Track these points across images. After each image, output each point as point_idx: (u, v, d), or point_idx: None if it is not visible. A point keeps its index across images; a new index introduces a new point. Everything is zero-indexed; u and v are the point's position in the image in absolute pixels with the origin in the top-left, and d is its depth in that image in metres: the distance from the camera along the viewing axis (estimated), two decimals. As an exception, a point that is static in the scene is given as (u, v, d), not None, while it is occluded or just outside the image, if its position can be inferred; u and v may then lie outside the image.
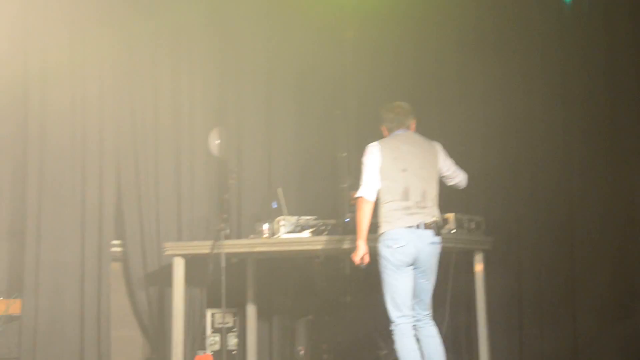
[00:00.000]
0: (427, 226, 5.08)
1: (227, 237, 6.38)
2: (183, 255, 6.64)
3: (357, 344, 6.97)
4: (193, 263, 6.81)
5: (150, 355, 7.32)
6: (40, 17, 6.94)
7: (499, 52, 6.65)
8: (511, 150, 6.53)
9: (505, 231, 6.42)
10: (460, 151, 6.10)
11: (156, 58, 7.46)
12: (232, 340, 7.26)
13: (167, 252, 6.69)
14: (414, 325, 5.13)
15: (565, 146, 6.29)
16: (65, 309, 6.83)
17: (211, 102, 7.64)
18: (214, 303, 7.02)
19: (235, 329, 7.29)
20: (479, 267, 6.28)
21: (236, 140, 7.51)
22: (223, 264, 6.14)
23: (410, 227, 5.05)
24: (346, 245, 5.89)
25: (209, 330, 7.17)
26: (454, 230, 5.88)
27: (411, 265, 5.07)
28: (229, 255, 6.50)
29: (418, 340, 5.12)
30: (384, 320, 5.21)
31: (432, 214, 5.14)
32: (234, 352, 7.24)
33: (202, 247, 6.49)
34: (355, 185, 6.78)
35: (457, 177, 5.42)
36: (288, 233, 6.28)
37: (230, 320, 7.26)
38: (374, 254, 5.16)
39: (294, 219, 6.32)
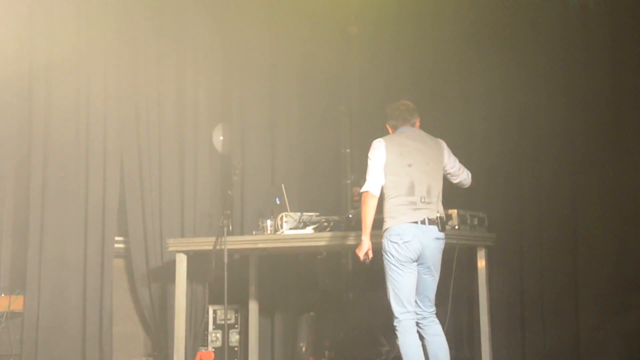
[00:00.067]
0: (431, 222, 5.08)
1: (230, 233, 6.38)
2: (185, 252, 6.65)
3: (359, 340, 6.96)
4: (196, 259, 6.82)
5: (152, 352, 7.33)
6: (45, 14, 6.95)
7: (501, 49, 6.64)
8: (514, 146, 6.51)
9: (508, 227, 6.41)
10: (463, 147, 6.11)
11: (160, 55, 7.47)
12: (234, 337, 7.27)
13: (170, 248, 6.70)
14: (419, 324, 5.12)
15: (568, 142, 6.28)
16: (68, 305, 6.83)
17: (215, 98, 7.66)
18: (216, 299, 7.02)
19: (237, 326, 7.30)
20: (481, 263, 6.27)
21: (240, 136, 7.52)
22: (225, 260, 6.13)
23: (415, 222, 5.04)
24: (349, 242, 5.89)
25: (211, 327, 7.17)
26: (457, 227, 5.88)
27: (415, 261, 5.06)
28: (232, 252, 6.50)
29: (423, 338, 5.11)
30: (386, 317, 5.21)
31: (437, 209, 5.14)
32: (235, 349, 7.25)
33: (205, 243, 6.49)
34: (358, 181, 6.82)
35: (462, 175, 5.42)
36: (291, 229, 6.28)
37: (232, 317, 7.26)
38: (377, 249, 5.16)
39: (296, 215, 6.32)
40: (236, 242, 6.45)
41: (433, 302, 5.19)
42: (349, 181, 7.24)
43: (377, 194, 5.12)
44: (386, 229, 5.09)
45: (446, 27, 6.90)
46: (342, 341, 7.07)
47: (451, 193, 5.49)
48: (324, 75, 7.51)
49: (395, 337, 5.10)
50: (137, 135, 7.33)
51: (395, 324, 5.04)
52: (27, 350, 6.65)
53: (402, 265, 5.02)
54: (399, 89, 7.07)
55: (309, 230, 6.22)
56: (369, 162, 5.16)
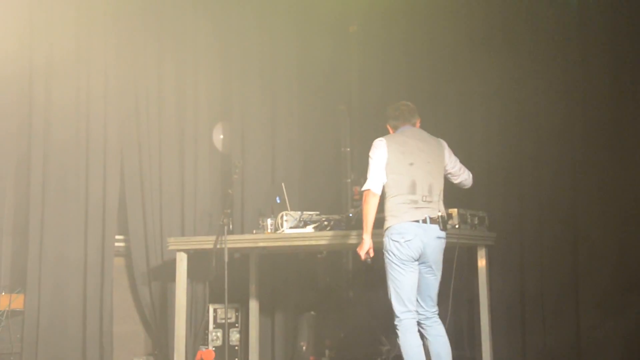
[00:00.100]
0: (433, 220, 5.08)
1: (230, 232, 6.38)
2: (186, 250, 6.65)
3: (359, 340, 6.96)
4: (196, 258, 6.81)
5: (152, 351, 7.33)
6: (46, 13, 6.94)
7: (501, 49, 6.63)
8: (514, 145, 6.52)
9: (508, 226, 6.41)
10: (463, 147, 6.11)
11: (160, 53, 7.47)
12: (235, 336, 7.27)
13: (170, 247, 6.70)
14: (422, 324, 5.12)
15: (568, 142, 6.28)
16: (68, 304, 6.83)
17: (215, 97, 7.66)
18: (216, 298, 7.02)
19: (237, 325, 7.30)
20: (481, 262, 6.27)
21: (240, 135, 7.52)
22: (226, 259, 6.13)
23: (416, 221, 5.04)
24: (349, 241, 5.89)
25: (211, 326, 7.17)
26: (457, 226, 5.88)
27: (417, 260, 5.06)
28: (232, 251, 6.50)
29: (426, 339, 5.10)
30: (387, 316, 5.21)
31: (438, 208, 5.14)
32: (236, 348, 7.25)
33: (205, 242, 6.49)
34: (358, 180, 6.82)
35: (463, 175, 5.42)
36: (291, 228, 6.28)
37: (232, 316, 7.26)
38: (377, 249, 5.15)
39: (297, 214, 6.32)
40: (236, 241, 6.45)
41: (435, 301, 5.18)
42: (349, 180, 7.23)
43: (379, 193, 5.12)
44: (387, 228, 5.08)
45: (446, 26, 6.90)
46: (343, 340, 7.06)
47: (451, 192, 5.50)
48: (324, 74, 7.51)
49: (396, 336, 5.09)
50: (138, 134, 7.33)
51: (396, 323, 5.04)
52: (27, 348, 6.65)
53: (404, 264, 5.02)
54: (399, 88, 7.08)
55: (310, 229, 6.22)
56: (370, 160, 5.16)
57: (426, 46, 7.03)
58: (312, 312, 7.14)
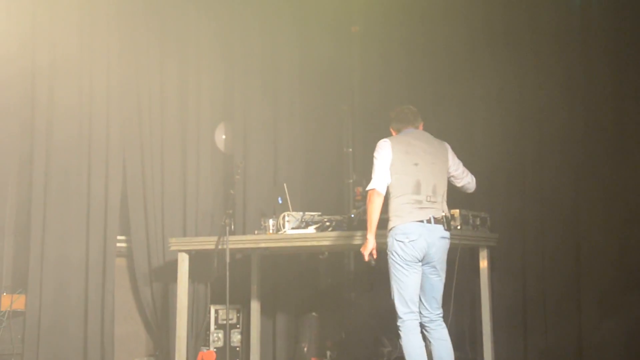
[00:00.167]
0: (437, 221, 5.07)
1: (232, 233, 6.37)
2: (187, 251, 6.64)
3: (360, 341, 6.96)
4: (197, 259, 6.81)
5: (153, 351, 7.32)
6: (48, 12, 6.94)
7: (503, 50, 6.64)
8: (516, 147, 6.52)
9: (510, 228, 6.41)
10: (465, 147, 6.11)
11: (163, 54, 7.47)
12: (236, 337, 7.26)
13: (172, 248, 6.69)
14: (426, 327, 5.10)
15: (569, 143, 6.28)
16: (69, 304, 6.83)
17: (217, 97, 7.66)
18: (218, 299, 7.01)
19: (239, 326, 7.29)
20: (483, 263, 6.26)
21: (242, 135, 7.52)
22: (227, 259, 6.13)
23: (421, 221, 5.03)
24: (351, 241, 5.88)
25: (212, 327, 7.16)
26: (459, 227, 5.87)
27: (421, 261, 5.05)
28: (234, 251, 6.49)
29: (428, 342, 5.08)
30: (388, 317, 5.20)
31: (442, 209, 5.13)
32: (237, 349, 7.25)
33: (207, 242, 6.48)
34: (360, 181, 6.82)
35: (466, 179, 5.41)
36: (293, 229, 6.27)
37: (234, 317, 7.26)
38: (380, 249, 5.14)
39: (298, 214, 6.31)
40: (238, 241, 6.45)
41: (440, 303, 5.16)
42: (351, 181, 7.23)
43: (383, 192, 5.10)
44: (392, 228, 5.07)
45: (449, 27, 6.90)
46: (344, 341, 7.06)
47: (453, 193, 5.48)
48: (326, 74, 7.51)
49: (398, 337, 5.08)
50: (140, 134, 7.33)
51: (398, 324, 5.03)
52: (28, 349, 6.64)
53: (408, 264, 5.01)
54: (401, 89, 7.08)
55: (311, 229, 6.22)
56: (375, 161, 5.15)
57: (429, 47, 7.03)
58: (314, 313, 7.13)
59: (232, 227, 6.45)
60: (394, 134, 5.36)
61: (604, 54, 6.17)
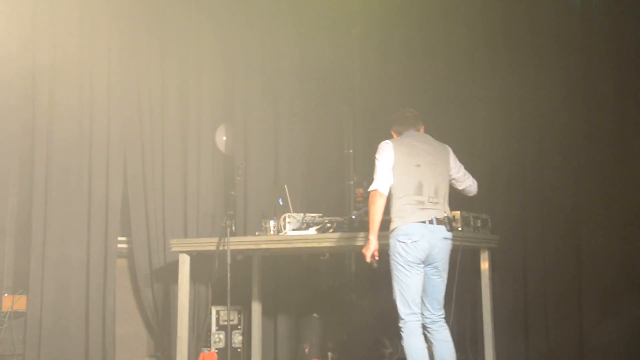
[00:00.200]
0: (439, 221, 5.07)
1: (233, 234, 6.37)
2: (188, 252, 6.64)
3: (362, 342, 6.95)
4: (198, 260, 6.81)
5: (154, 352, 7.32)
6: (49, 13, 6.93)
7: (504, 51, 6.64)
8: (517, 148, 6.51)
9: (511, 229, 6.40)
10: (466, 149, 6.12)
11: (163, 54, 7.47)
12: (237, 338, 7.27)
13: (173, 249, 6.69)
14: (428, 328, 5.10)
15: (571, 144, 6.27)
16: (71, 305, 6.81)
17: (218, 98, 7.66)
18: (219, 300, 7.02)
19: (240, 327, 7.30)
20: (484, 265, 6.26)
21: (242, 137, 7.52)
22: (228, 260, 6.13)
23: (423, 222, 5.03)
24: (352, 243, 5.88)
25: (213, 328, 7.17)
26: (460, 228, 5.86)
27: (423, 262, 5.04)
28: (235, 252, 6.49)
29: (430, 343, 5.08)
30: (389, 318, 5.20)
31: (444, 209, 5.13)
32: (238, 350, 7.25)
33: (208, 243, 6.48)
34: (361, 182, 6.82)
35: (467, 182, 5.41)
36: (294, 230, 6.27)
37: (235, 318, 7.26)
38: (381, 251, 5.13)
39: (299, 216, 6.31)
40: (239, 242, 6.45)
41: (442, 304, 5.16)
42: (352, 182, 7.23)
43: (386, 193, 5.09)
44: (394, 229, 5.06)
45: (449, 29, 6.90)
46: (345, 343, 7.06)
47: (454, 194, 5.48)
48: (327, 75, 7.52)
49: (399, 338, 5.08)
50: (140, 135, 7.33)
51: (400, 325, 5.02)
52: (30, 350, 6.62)
53: (410, 266, 5.00)
54: (402, 90, 7.08)
55: (312, 231, 6.22)
56: (377, 162, 5.15)
57: (429, 48, 7.03)
58: (315, 314, 7.14)
59: (233, 228, 6.44)
60: (395, 136, 5.36)
61: (604, 54, 6.17)
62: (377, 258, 5.07)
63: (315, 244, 6.12)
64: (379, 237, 5.09)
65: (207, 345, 7.13)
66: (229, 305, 6.23)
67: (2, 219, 6.69)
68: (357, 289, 7.18)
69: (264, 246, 6.43)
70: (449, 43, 6.90)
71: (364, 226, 5.74)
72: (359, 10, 7.42)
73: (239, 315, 7.29)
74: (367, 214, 5.64)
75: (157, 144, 7.37)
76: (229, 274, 6.10)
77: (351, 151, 7.35)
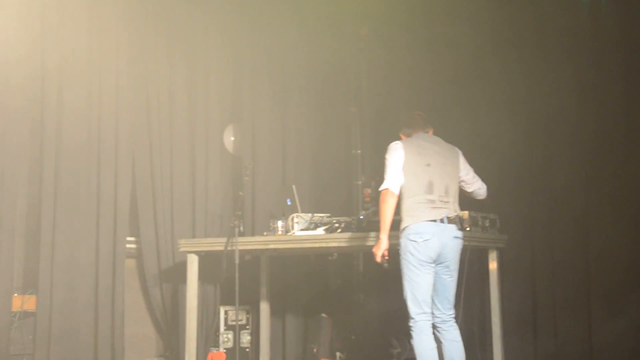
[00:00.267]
0: (450, 220, 5.07)
1: (241, 234, 6.38)
2: (197, 252, 6.65)
3: (370, 342, 6.96)
4: (207, 260, 6.82)
5: (163, 352, 7.33)
6: (58, 15, 6.95)
7: (512, 52, 6.64)
8: (525, 147, 6.51)
9: (519, 229, 6.40)
10: (474, 149, 6.10)
11: (171, 55, 7.48)
12: (245, 338, 7.28)
13: (181, 249, 6.71)
14: (438, 327, 5.09)
15: (579, 143, 6.27)
16: (80, 305, 6.83)
17: (226, 99, 7.67)
18: (227, 300, 7.03)
19: (248, 327, 7.31)
20: (492, 265, 6.25)
21: (250, 137, 7.54)
22: (237, 261, 6.13)
23: (434, 220, 5.03)
24: (360, 243, 5.88)
25: (222, 328, 7.18)
26: (468, 228, 5.86)
27: (434, 261, 5.04)
28: (243, 252, 6.50)
29: (440, 343, 5.07)
30: (398, 318, 5.19)
31: (454, 209, 5.14)
32: (247, 350, 7.26)
33: (216, 244, 6.49)
34: (369, 182, 6.82)
35: (476, 184, 5.40)
36: (302, 230, 6.28)
37: (243, 318, 7.27)
38: (391, 250, 5.12)
39: (307, 216, 6.32)
40: (247, 242, 6.46)
41: (452, 304, 5.14)
42: (360, 182, 7.23)
43: (397, 192, 5.08)
44: (404, 228, 5.05)
45: (457, 28, 6.89)
46: (353, 343, 7.06)
47: (462, 194, 5.48)
48: (335, 76, 7.52)
49: (407, 338, 5.08)
50: (149, 136, 7.34)
51: (410, 324, 5.01)
52: (39, 349, 6.65)
53: (421, 265, 5.00)
54: (409, 91, 7.08)
55: (320, 231, 6.22)
56: (387, 162, 5.14)
57: (437, 49, 7.03)
58: (323, 314, 7.14)
59: (241, 228, 6.46)
60: (403, 138, 5.36)
61: (613, 54, 6.17)
62: (387, 257, 5.07)
63: (323, 244, 6.12)
64: (389, 237, 5.07)
65: (216, 345, 7.14)
66: (237, 305, 6.23)
67: (12, 220, 6.71)
68: (365, 289, 7.18)
69: (272, 246, 6.44)
70: (456, 43, 6.89)
71: (372, 226, 5.74)
72: (366, 11, 7.42)
73: (247, 315, 7.30)
74: (375, 214, 5.65)
75: (165, 144, 7.39)
76: (237, 274, 6.11)
77: (359, 151, 7.35)
